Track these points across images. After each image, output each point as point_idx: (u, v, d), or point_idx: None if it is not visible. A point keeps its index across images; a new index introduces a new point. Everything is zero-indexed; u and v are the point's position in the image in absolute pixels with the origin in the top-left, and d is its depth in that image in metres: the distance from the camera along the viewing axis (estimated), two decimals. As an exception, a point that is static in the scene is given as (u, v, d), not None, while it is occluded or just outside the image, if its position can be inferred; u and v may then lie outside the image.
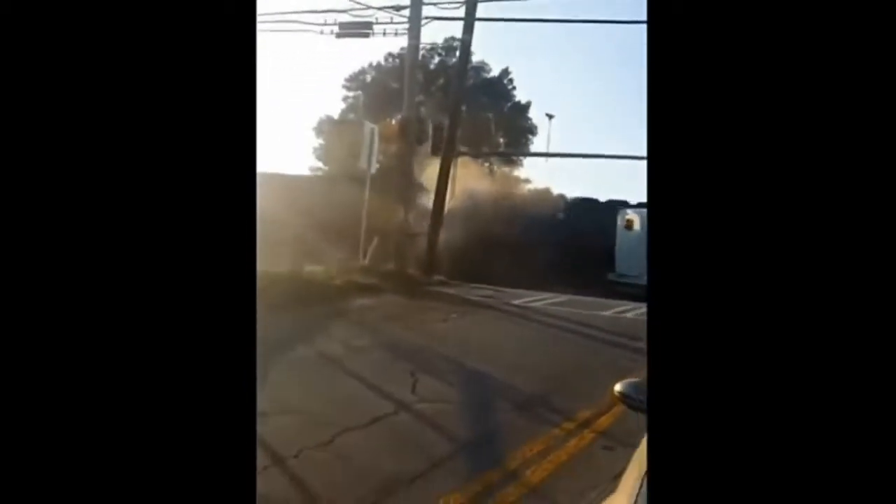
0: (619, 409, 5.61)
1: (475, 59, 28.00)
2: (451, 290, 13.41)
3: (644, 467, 2.42)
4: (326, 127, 33.83)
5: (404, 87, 14.76)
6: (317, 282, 11.05)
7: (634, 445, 2.78)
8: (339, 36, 15.05)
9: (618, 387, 3.10)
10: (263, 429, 4.47)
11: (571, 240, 22.95)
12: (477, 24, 14.95)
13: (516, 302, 12.80)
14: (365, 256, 13.63)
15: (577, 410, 5.72)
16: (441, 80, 32.36)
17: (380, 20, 14.73)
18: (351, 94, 34.26)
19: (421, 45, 15.71)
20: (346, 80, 34.07)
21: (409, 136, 14.43)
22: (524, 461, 4.59)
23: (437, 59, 33.50)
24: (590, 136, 48.79)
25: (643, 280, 20.99)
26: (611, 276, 22.08)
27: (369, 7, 14.97)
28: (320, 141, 34.51)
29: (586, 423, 5.45)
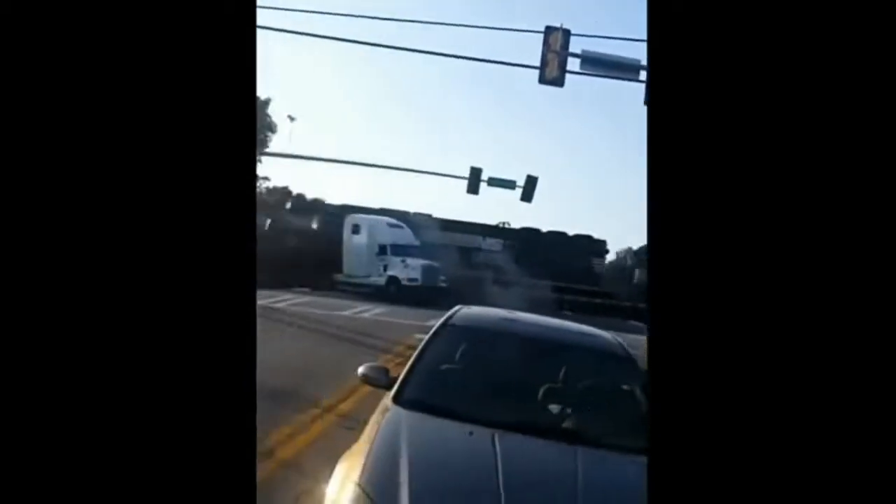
0: (359, 395, 6.57)
1: None
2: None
3: (371, 435, 3.20)
4: None
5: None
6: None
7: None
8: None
9: (360, 369, 3.92)
10: None
11: (305, 241, 23.78)
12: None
13: (259, 303, 13.17)
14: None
15: (321, 399, 6.52)
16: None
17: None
18: None
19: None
20: None
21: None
22: (276, 442, 5.28)
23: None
24: (328, 140, 50.34)
25: (367, 280, 22.63)
26: (338, 277, 23.55)
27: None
28: None
29: (329, 409, 6.28)
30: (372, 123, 55.59)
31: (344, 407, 6.30)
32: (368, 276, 23.14)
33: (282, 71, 46.50)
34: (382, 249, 23.30)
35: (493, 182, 20.92)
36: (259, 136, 34.98)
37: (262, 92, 34.30)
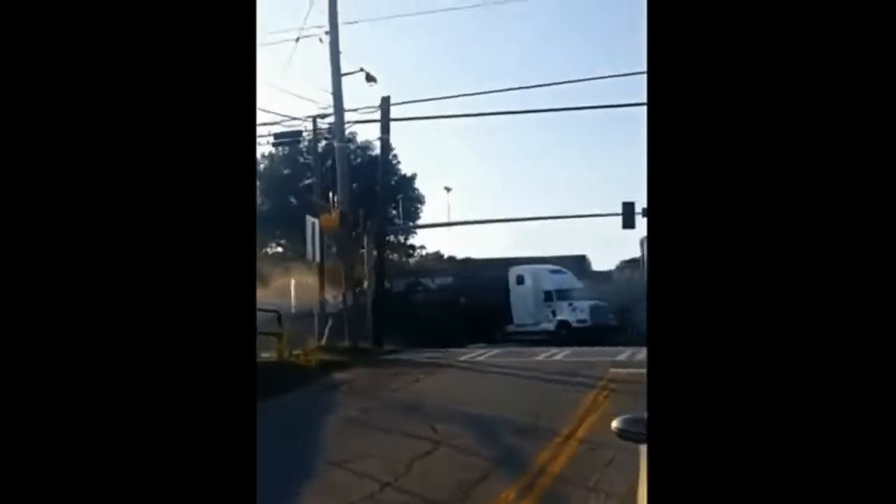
0: (588, 423, 7.81)
1: (360, 139, 30.69)
2: (403, 357, 15.27)
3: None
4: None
5: (337, 182, 16.99)
6: (299, 364, 12.73)
7: (608, 447, 4.51)
8: (274, 145, 17.37)
9: (615, 424, 2.99)
10: (356, 468, 6.31)
11: (472, 298, 25.41)
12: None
13: (462, 358, 14.83)
14: (321, 337, 15.30)
15: (559, 429, 7.79)
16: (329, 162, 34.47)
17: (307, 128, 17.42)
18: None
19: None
20: (240, 170, 35.23)
21: (348, 225, 16.46)
22: (542, 463, 6.65)
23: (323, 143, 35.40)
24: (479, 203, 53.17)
25: (537, 327, 23.53)
26: (509, 328, 24.69)
27: (294, 118, 17.51)
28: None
29: (570, 436, 7.54)
30: (514, 182, 57.67)
31: (581, 433, 7.54)
32: (539, 324, 24.27)
33: (432, 150, 50.61)
34: (548, 296, 24.41)
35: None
36: (410, 209, 37.82)
37: (408, 169, 37.30)
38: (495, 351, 16.31)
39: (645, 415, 1.57)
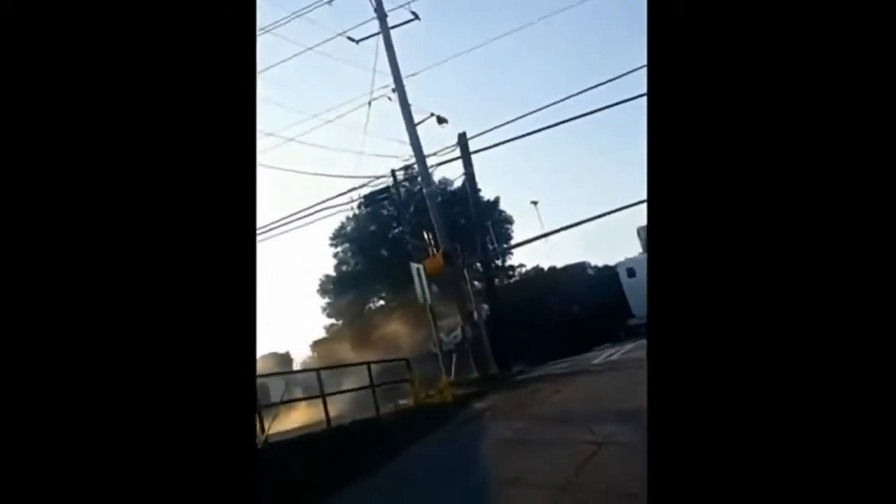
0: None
1: (437, 177, 31.37)
2: (534, 374, 15.29)
3: None
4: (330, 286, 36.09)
5: (434, 224, 17.45)
6: (435, 403, 12.99)
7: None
8: (366, 205, 18.07)
9: None
10: (531, 481, 6.36)
11: (584, 302, 25.12)
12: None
13: (596, 362, 14.69)
14: (450, 373, 15.56)
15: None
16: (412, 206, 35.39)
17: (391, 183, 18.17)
18: (339, 248, 36.73)
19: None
20: (331, 238, 36.69)
21: (452, 263, 16.85)
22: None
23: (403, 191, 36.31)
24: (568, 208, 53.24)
25: (662, 317, 22.97)
26: (630, 322, 24.01)
27: (379, 177, 18.29)
28: (327, 299, 36.66)
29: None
30: (591, 185, 57.15)
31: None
32: (660, 314, 23.57)
33: (509, 168, 51.42)
34: (664, 281, 23.77)
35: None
36: (500, 232, 38.06)
37: (489, 193, 37.68)
38: (627, 347, 16.04)
39: None
